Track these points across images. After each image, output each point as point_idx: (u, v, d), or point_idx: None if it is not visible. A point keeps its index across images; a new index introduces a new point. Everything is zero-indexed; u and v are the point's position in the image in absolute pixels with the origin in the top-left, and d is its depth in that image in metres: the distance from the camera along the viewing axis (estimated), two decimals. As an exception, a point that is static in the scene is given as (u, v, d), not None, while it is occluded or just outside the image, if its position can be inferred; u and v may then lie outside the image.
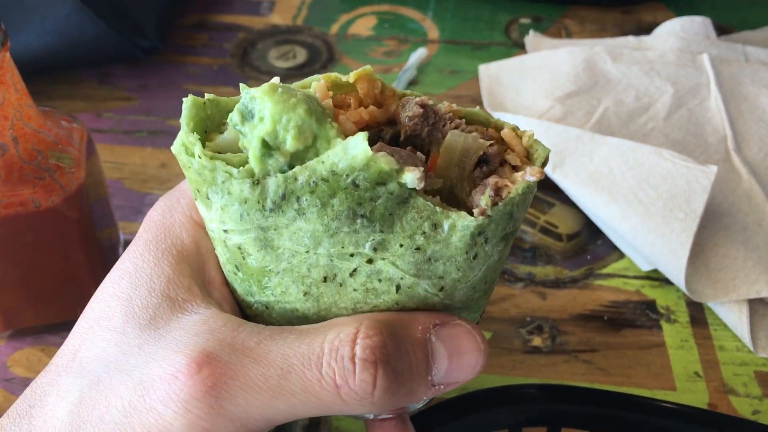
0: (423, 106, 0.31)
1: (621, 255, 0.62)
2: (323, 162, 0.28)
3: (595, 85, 0.72)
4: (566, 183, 0.62)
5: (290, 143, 0.28)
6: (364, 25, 0.88)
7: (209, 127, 0.31)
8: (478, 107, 0.32)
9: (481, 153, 0.30)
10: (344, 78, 0.31)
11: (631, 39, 0.78)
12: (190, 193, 0.35)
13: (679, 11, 0.88)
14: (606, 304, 0.58)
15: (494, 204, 0.29)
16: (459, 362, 0.32)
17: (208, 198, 0.30)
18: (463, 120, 0.31)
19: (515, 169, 0.31)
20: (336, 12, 0.90)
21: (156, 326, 0.31)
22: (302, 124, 0.28)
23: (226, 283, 0.35)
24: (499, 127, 0.32)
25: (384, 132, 0.32)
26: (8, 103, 0.45)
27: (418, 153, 0.30)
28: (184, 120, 0.30)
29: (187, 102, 0.30)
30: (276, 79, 0.30)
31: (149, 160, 0.70)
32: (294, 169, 0.28)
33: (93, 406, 0.30)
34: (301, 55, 0.83)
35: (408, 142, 0.31)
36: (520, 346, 0.56)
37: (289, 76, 0.80)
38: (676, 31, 0.77)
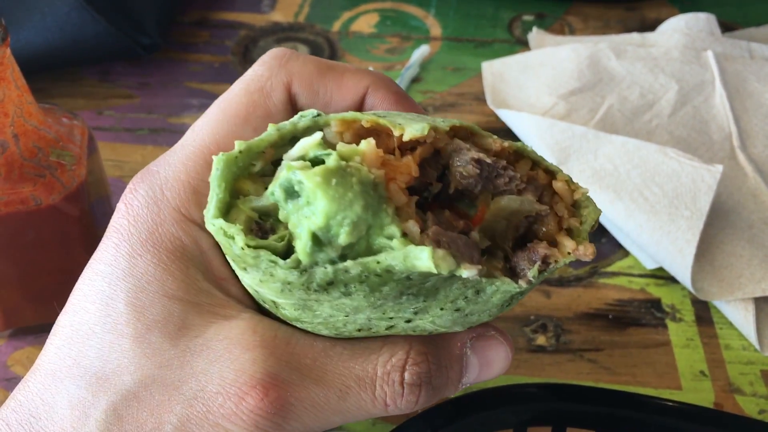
0: (479, 164, 0.29)
1: (626, 253, 0.62)
2: (379, 262, 0.26)
3: (599, 82, 0.71)
4: (570, 181, 0.62)
5: (343, 239, 0.26)
6: (366, 23, 0.87)
7: (237, 174, 0.29)
8: (530, 148, 0.31)
9: (533, 213, 0.30)
10: (396, 133, 0.28)
11: (635, 36, 0.78)
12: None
13: (683, 8, 0.87)
14: (611, 302, 0.58)
15: (540, 272, 0.29)
16: (488, 370, 0.35)
17: (245, 270, 0.29)
18: (517, 173, 0.30)
19: (560, 219, 0.30)
20: (338, 9, 0.89)
21: (189, 336, 0.30)
22: (357, 221, 0.26)
23: (234, 277, 0.33)
24: (549, 170, 0.31)
25: (432, 187, 0.30)
26: (9, 100, 0.44)
27: (472, 234, 0.29)
28: (215, 182, 0.28)
29: (219, 162, 0.28)
30: (318, 136, 0.28)
31: (150, 158, 0.69)
32: (345, 263, 0.26)
33: (139, 424, 0.29)
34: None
35: (455, 194, 0.30)
36: (525, 344, 0.55)
37: (291, 73, 0.80)
38: (680, 28, 0.77)
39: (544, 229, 0.30)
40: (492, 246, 0.30)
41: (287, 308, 0.31)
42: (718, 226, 0.59)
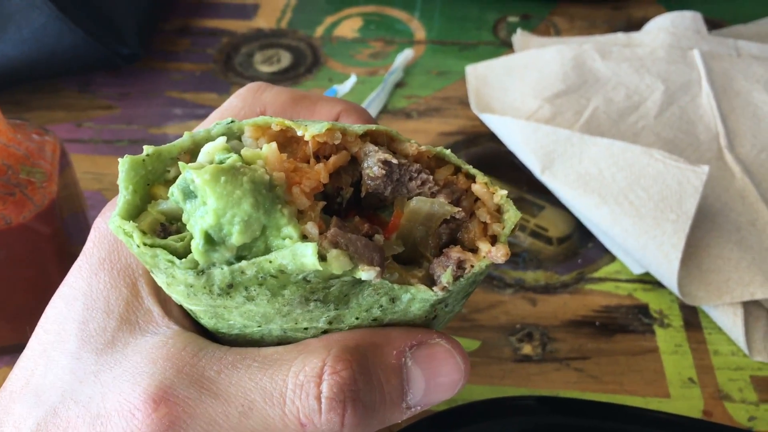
0: (386, 164, 0.29)
1: (612, 258, 0.61)
2: (271, 261, 0.26)
3: (585, 83, 0.70)
4: (555, 185, 0.61)
5: (235, 238, 0.26)
6: (349, 27, 0.86)
7: (151, 180, 0.29)
8: (449, 150, 0.30)
9: (448, 216, 0.29)
10: (299, 132, 0.28)
11: (620, 36, 0.77)
12: (107, 235, 0.33)
13: (670, 6, 0.86)
14: (598, 309, 0.57)
15: (456, 278, 0.28)
16: (437, 385, 0.30)
17: (152, 273, 0.29)
18: (430, 176, 0.29)
19: (484, 225, 0.30)
20: (321, 14, 0.88)
21: (113, 350, 0.30)
22: (248, 219, 0.26)
23: None
24: (469, 175, 0.30)
25: (344, 191, 0.30)
26: (-26, 118, 0.43)
27: (376, 236, 0.29)
28: (122, 183, 0.28)
29: (124, 164, 0.28)
30: (222, 140, 0.28)
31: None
32: (241, 264, 0.26)
33: None
34: (285, 59, 0.82)
35: (370, 198, 0.30)
36: (510, 354, 0.54)
37: (274, 80, 0.79)
38: (666, 27, 0.76)
39: (467, 236, 0.30)
40: (414, 255, 0.30)
41: (203, 317, 0.30)
42: (705, 228, 0.58)
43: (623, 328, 0.56)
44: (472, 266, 0.28)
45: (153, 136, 0.72)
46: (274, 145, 0.27)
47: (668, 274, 0.54)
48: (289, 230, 0.26)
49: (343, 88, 0.74)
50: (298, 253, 0.25)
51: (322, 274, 0.26)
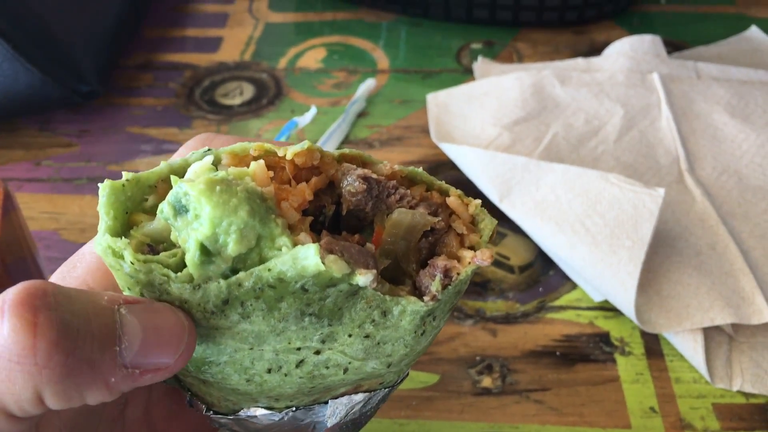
0: (366, 179, 0.29)
1: (574, 285, 0.60)
2: (270, 269, 0.26)
3: (544, 110, 0.70)
4: (514, 213, 0.61)
5: (232, 248, 0.26)
6: (313, 58, 0.86)
7: (130, 208, 0.28)
8: (421, 168, 0.31)
9: (428, 228, 0.30)
10: (281, 153, 0.29)
11: (579, 61, 0.77)
12: (89, 256, 0.33)
13: (632, 29, 0.87)
14: (558, 338, 0.56)
15: (444, 286, 0.28)
16: (156, 335, 0.27)
17: (142, 295, 0.28)
18: (408, 191, 0.30)
19: (461, 237, 0.30)
20: (285, 45, 0.88)
21: None
22: (245, 228, 0.25)
23: None
24: (443, 190, 0.31)
25: (326, 209, 0.30)
26: None
27: (367, 245, 0.29)
28: (103, 209, 0.27)
29: (104, 189, 0.27)
30: (208, 159, 0.28)
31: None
32: (238, 276, 0.26)
33: None
34: (248, 91, 0.81)
35: (351, 215, 0.30)
36: (470, 387, 0.53)
37: (237, 113, 0.78)
38: (625, 51, 0.76)
39: (446, 249, 0.30)
40: (398, 272, 0.30)
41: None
42: (665, 253, 0.57)
43: (584, 357, 0.55)
44: (458, 273, 0.29)
45: (112, 173, 0.71)
46: (261, 162, 0.28)
47: (626, 302, 0.54)
48: (284, 240, 0.26)
49: (304, 119, 0.74)
50: (299, 256, 0.25)
51: (322, 279, 0.26)
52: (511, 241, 0.64)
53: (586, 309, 0.58)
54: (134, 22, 0.88)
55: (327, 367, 0.32)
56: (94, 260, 0.33)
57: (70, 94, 0.74)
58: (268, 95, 0.81)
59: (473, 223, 0.31)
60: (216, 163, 0.29)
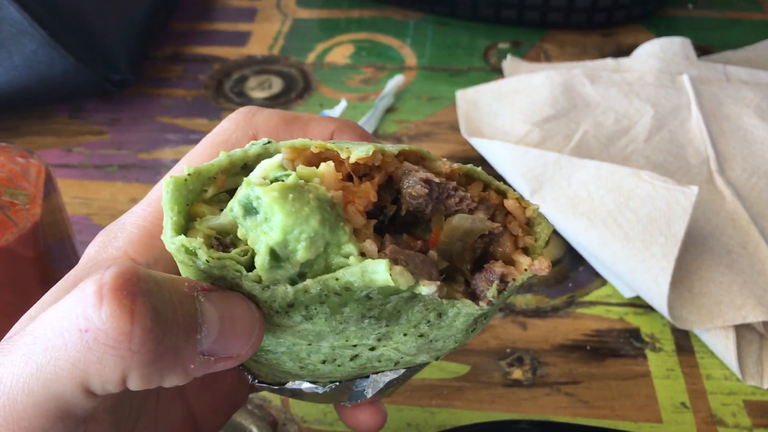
0: (427, 183, 0.29)
1: (603, 282, 0.60)
2: (337, 279, 0.26)
3: (574, 108, 0.71)
4: (545, 208, 0.61)
5: (301, 255, 0.26)
6: (341, 54, 0.87)
7: (191, 199, 0.29)
8: (480, 167, 0.31)
9: (486, 232, 0.30)
10: (343, 155, 0.28)
11: (609, 61, 0.77)
12: (129, 227, 0.33)
13: (660, 33, 0.87)
14: (588, 333, 0.56)
15: (500, 292, 0.29)
16: (232, 326, 0.28)
17: (212, 284, 0.28)
18: (467, 193, 0.30)
19: (515, 238, 0.31)
20: (313, 41, 0.89)
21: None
22: (314, 236, 0.26)
23: None
24: (500, 190, 0.31)
25: (387, 210, 0.30)
26: (-44, 140, 0.43)
27: (430, 252, 0.29)
28: (167, 204, 0.28)
29: (168, 185, 0.28)
30: (278, 157, 0.28)
31: (119, 195, 0.68)
32: (305, 283, 0.27)
33: None
34: (276, 85, 0.82)
35: (407, 216, 0.30)
36: (500, 379, 0.53)
37: (266, 105, 0.79)
38: (655, 53, 0.76)
39: (500, 250, 0.30)
40: (451, 270, 0.30)
41: None
42: (696, 251, 0.58)
43: (614, 352, 0.55)
44: (514, 279, 0.29)
45: (143, 161, 0.72)
46: (331, 164, 0.28)
47: (658, 297, 0.54)
48: (350, 247, 0.26)
49: (334, 113, 0.74)
50: (368, 270, 0.26)
51: (387, 289, 0.26)
52: (540, 237, 0.64)
53: (617, 305, 0.58)
54: (165, 14, 0.89)
55: (379, 361, 0.32)
56: (135, 231, 0.33)
57: (103, 82, 0.75)
58: (297, 89, 0.81)
59: (528, 224, 0.31)
60: (274, 153, 0.30)
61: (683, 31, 0.86)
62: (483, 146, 0.67)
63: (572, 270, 0.61)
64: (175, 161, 0.34)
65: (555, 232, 0.63)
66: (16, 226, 0.46)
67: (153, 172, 0.71)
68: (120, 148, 0.73)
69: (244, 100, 0.80)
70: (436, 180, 0.29)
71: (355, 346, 0.30)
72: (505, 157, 0.64)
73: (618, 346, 0.55)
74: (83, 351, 0.24)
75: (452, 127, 0.75)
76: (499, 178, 0.67)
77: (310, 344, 0.30)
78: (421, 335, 0.30)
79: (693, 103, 0.70)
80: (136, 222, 0.34)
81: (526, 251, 0.31)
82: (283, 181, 0.27)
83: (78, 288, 0.25)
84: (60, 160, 0.72)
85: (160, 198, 0.34)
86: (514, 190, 0.31)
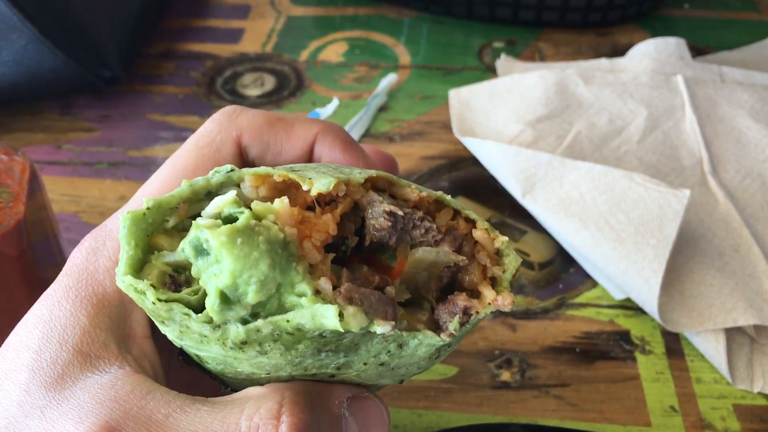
0: (392, 215, 0.29)
1: (594, 283, 0.60)
2: (288, 321, 0.26)
3: (567, 108, 0.70)
4: (536, 209, 0.60)
5: (251, 297, 0.26)
6: (334, 51, 0.86)
7: (150, 231, 0.28)
8: (449, 196, 0.31)
9: (452, 264, 0.30)
10: (305, 187, 0.28)
11: (603, 61, 0.77)
12: (117, 234, 0.33)
13: (655, 32, 0.86)
14: (578, 335, 0.56)
15: (462, 324, 0.29)
16: None
17: (163, 323, 0.28)
18: (433, 224, 0.29)
19: (483, 267, 0.30)
20: (306, 38, 0.88)
21: (62, 386, 0.29)
22: (264, 279, 0.26)
23: (149, 336, 0.33)
24: (470, 219, 0.31)
25: (349, 241, 0.30)
26: (-63, 136, 0.43)
27: (387, 289, 0.29)
28: (124, 240, 0.28)
29: (125, 220, 0.28)
30: (232, 194, 0.28)
31: (108, 192, 0.68)
32: (257, 323, 0.26)
33: None
34: (269, 83, 0.81)
35: (372, 245, 0.30)
36: (488, 381, 0.53)
37: (258, 103, 0.78)
38: (649, 53, 0.76)
39: (468, 278, 0.30)
40: (417, 297, 0.30)
41: (210, 362, 0.30)
42: (688, 254, 0.57)
43: (604, 354, 0.55)
44: (477, 312, 0.29)
45: (133, 159, 0.71)
46: (285, 200, 0.27)
47: (649, 299, 0.53)
48: (303, 287, 0.26)
49: (326, 111, 0.73)
50: (318, 314, 0.26)
51: (338, 331, 0.26)
52: (531, 239, 0.63)
53: (607, 307, 0.58)
54: (157, 11, 0.89)
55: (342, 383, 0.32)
56: (83, 267, 0.33)
57: (93, 79, 0.74)
58: (290, 87, 0.81)
59: (497, 254, 0.31)
60: (238, 181, 0.29)
61: (679, 31, 0.86)
62: (475, 146, 0.67)
63: (563, 272, 0.61)
64: (166, 159, 0.34)
65: (546, 233, 0.63)
66: (-1, 224, 0.46)
67: (143, 170, 0.70)
68: (110, 145, 0.73)
69: (237, 97, 0.79)
70: (400, 213, 0.29)
71: (314, 374, 0.30)
72: (497, 157, 0.64)
73: (608, 349, 0.55)
74: None
75: (445, 126, 0.74)
76: (492, 178, 0.66)
77: (269, 374, 0.30)
78: (382, 364, 0.30)
79: (687, 104, 0.70)
80: (117, 284, 0.34)
81: (494, 281, 0.30)
82: (236, 218, 0.27)
83: (253, 422, 0.27)
84: (49, 156, 0.71)
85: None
86: (483, 220, 0.31)
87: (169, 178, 0.35)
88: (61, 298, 0.31)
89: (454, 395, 0.52)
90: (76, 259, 0.33)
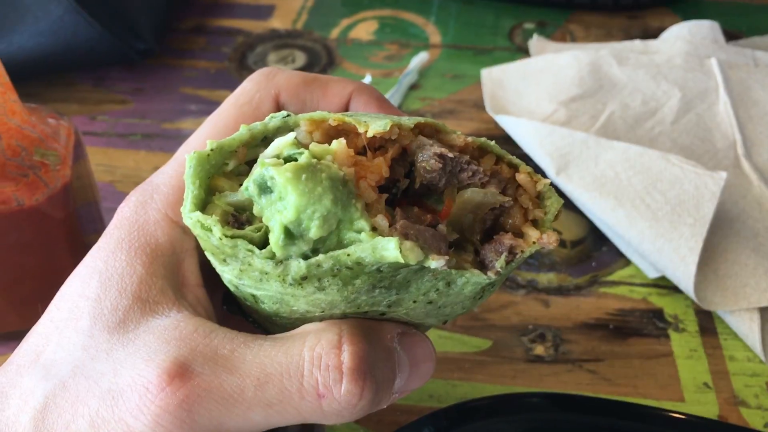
0: (442, 158, 0.29)
1: (627, 262, 0.60)
2: (349, 255, 0.27)
3: (601, 89, 0.70)
4: (570, 187, 0.60)
5: (314, 233, 0.27)
6: (365, 30, 0.86)
7: (212, 173, 0.30)
8: (493, 141, 0.32)
9: (497, 205, 0.31)
10: (360, 130, 0.29)
11: (637, 43, 0.77)
12: (164, 188, 0.34)
13: (687, 16, 0.86)
14: (611, 312, 0.56)
15: (508, 263, 0.29)
16: (417, 371, 0.32)
17: (225, 261, 0.29)
18: (480, 167, 0.30)
19: (525, 210, 0.31)
20: (337, 16, 0.88)
21: (125, 329, 0.30)
22: (327, 214, 0.27)
23: (201, 284, 0.33)
24: (512, 164, 0.31)
25: (400, 183, 0.30)
26: (-10, 97, 0.43)
27: (439, 227, 0.30)
28: (189, 179, 0.29)
29: (191, 160, 0.29)
30: (291, 135, 0.29)
31: (142, 164, 0.68)
32: (318, 257, 0.27)
33: (59, 413, 0.29)
34: (300, 59, 0.82)
35: (423, 187, 0.31)
36: (522, 354, 0.53)
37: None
38: (683, 35, 0.76)
39: (510, 221, 0.31)
40: (461, 239, 0.31)
41: (266, 301, 0.31)
42: (722, 234, 0.57)
43: (637, 331, 0.55)
44: (522, 251, 0.30)
45: (166, 131, 0.72)
46: (343, 141, 0.28)
47: (685, 277, 0.54)
48: (362, 223, 0.27)
49: None
50: (379, 246, 0.26)
51: (397, 264, 0.27)
52: (564, 217, 0.64)
53: (640, 285, 0.58)
54: (189, -15, 0.89)
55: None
56: (170, 193, 0.34)
57: (127, 51, 0.74)
58: (320, 64, 0.81)
59: (538, 198, 0.31)
60: (293, 126, 0.30)
61: (710, 16, 0.85)
62: (509, 124, 0.67)
63: (595, 250, 0.61)
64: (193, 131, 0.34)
65: (578, 212, 0.63)
66: (46, 186, 0.46)
67: (176, 142, 0.70)
68: (143, 117, 0.73)
69: (268, 73, 0.80)
70: (450, 155, 0.30)
71: (366, 312, 0.31)
72: (531, 135, 0.64)
73: (641, 326, 0.55)
74: (315, 409, 0.28)
75: (476, 105, 0.74)
76: (524, 156, 0.67)
77: (323, 311, 0.30)
78: (430, 302, 0.31)
79: (721, 87, 0.70)
80: (169, 182, 0.34)
81: (535, 224, 0.31)
82: (296, 159, 0.27)
83: (315, 352, 0.28)
84: (84, 127, 0.72)
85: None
86: (526, 164, 0.31)
87: (210, 135, 0.35)
88: (115, 249, 0.32)
89: (489, 367, 0.53)
90: (124, 213, 0.34)
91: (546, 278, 0.59)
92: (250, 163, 0.31)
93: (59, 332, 0.31)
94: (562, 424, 0.46)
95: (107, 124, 0.73)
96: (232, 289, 0.32)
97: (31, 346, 0.32)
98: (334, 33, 0.86)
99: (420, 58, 0.79)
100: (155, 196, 0.34)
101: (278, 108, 0.36)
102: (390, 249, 0.26)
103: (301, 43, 0.84)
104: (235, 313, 0.36)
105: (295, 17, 0.88)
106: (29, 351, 0.31)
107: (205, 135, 0.35)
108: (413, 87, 0.78)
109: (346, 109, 0.37)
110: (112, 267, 0.32)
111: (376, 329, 0.31)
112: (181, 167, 0.35)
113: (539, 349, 0.54)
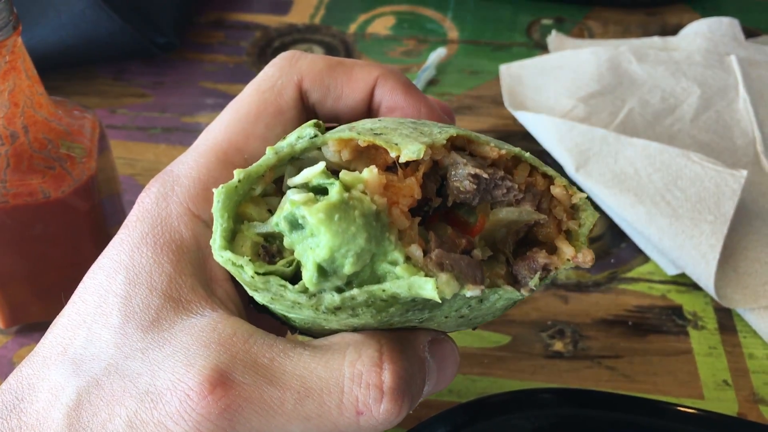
0: (476, 179, 0.29)
1: (646, 259, 0.60)
2: (384, 290, 0.27)
3: (620, 85, 0.70)
4: (590, 183, 0.61)
5: (347, 269, 0.26)
6: (382, 25, 0.86)
7: (239, 201, 0.29)
8: (527, 153, 0.31)
9: (532, 222, 0.30)
10: (393, 154, 0.28)
11: (656, 39, 0.77)
12: (184, 180, 0.33)
13: (705, 13, 0.86)
14: (630, 309, 0.56)
15: (541, 279, 0.29)
16: (443, 377, 0.33)
17: (256, 291, 0.29)
18: (514, 184, 0.30)
19: (559, 222, 0.31)
20: (354, 11, 0.88)
21: (159, 329, 0.30)
22: (361, 252, 0.26)
23: (228, 278, 0.33)
24: (547, 175, 0.31)
25: (432, 202, 0.30)
26: (19, 90, 0.44)
27: (474, 252, 0.29)
28: (218, 212, 0.28)
29: (219, 194, 0.28)
30: (321, 165, 0.28)
31: (163, 157, 0.69)
32: (352, 291, 0.27)
33: (94, 412, 0.28)
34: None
35: (455, 206, 0.30)
36: (541, 350, 0.54)
37: (306, 74, 0.79)
38: (703, 32, 0.75)
39: (543, 231, 0.31)
40: (493, 250, 0.31)
41: (297, 321, 0.31)
42: (742, 232, 0.57)
43: (656, 328, 0.55)
44: (557, 268, 0.29)
45: (186, 125, 0.72)
46: (374, 169, 0.27)
47: (705, 275, 0.54)
48: (396, 255, 0.27)
49: None
50: (415, 285, 0.26)
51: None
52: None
53: (659, 282, 0.58)
54: (207, -20, 0.89)
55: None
56: (191, 185, 0.33)
57: (148, 45, 0.75)
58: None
59: (573, 208, 0.31)
60: (321, 146, 0.30)
61: (730, 13, 0.85)
62: (527, 119, 0.67)
63: (613, 246, 0.61)
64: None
65: (597, 208, 0.63)
66: (72, 178, 0.47)
67: (195, 136, 0.69)
68: (163, 111, 0.74)
69: (286, 67, 0.80)
70: (485, 175, 0.29)
71: (398, 329, 0.31)
72: (551, 131, 0.64)
73: (660, 323, 0.55)
74: (352, 424, 0.28)
75: (494, 101, 0.74)
76: (543, 151, 0.67)
77: (355, 330, 0.31)
78: (462, 316, 0.31)
79: (741, 85, 0.70)
80: (190, 174, 0.34)
81: (568, 234, 0.31)
82: (326, 189, 0.27)
83: (356, 369, 0.29)
84: (105, 120, 0.72)
85: (209, 148, 0.35)
86: (561, 176, 0.31)
87: (231, 122, 0.35)
88: (139, 244, 0.32)
89: (508, 363, 0.53)
90: (146, 204, 0.33)
91: (565, 274, 0.59)
92: (277, 181, 0.30)
93: (87, 327, 0.31)
94: (582, 420, 0.46)
95: (127, 118, 0.73)
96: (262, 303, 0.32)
97: (57, 338, 0.31)
98: (352, 28, 0.86)
99: (438, 54, 0.79)
100: (176, 189, 0.33)
101: (300, 94, 0.36)
102: (427, 289, 0.26)
103: (318, 37, 0.85)
104: (262, 311, 0.36)
105: (313, 12, 0.88)
106: (55, 343, 0.31)
107: (227, 122, 0.35)
108: (431, 82, 0.78)
109: (370, 93, 0.36)
110: (138, 263, 0.31)
111: (411, 340, 0.31)
112: (202, 157, 0.34)
113: (558, 345, 0.54)
